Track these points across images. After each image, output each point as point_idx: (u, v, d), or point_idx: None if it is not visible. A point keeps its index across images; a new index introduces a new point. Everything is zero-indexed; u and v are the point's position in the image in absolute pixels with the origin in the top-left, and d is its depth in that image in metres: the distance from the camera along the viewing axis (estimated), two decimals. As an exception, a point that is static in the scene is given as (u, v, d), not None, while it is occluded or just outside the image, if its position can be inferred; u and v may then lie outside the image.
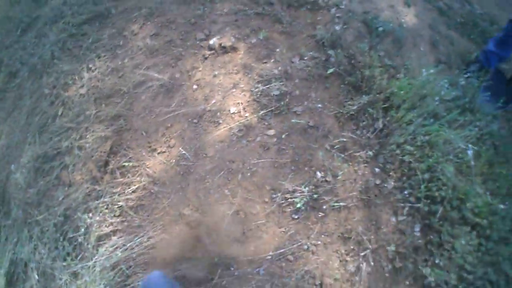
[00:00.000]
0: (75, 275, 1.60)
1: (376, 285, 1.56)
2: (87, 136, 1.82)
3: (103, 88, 2.00)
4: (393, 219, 1.68)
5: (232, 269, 1.54)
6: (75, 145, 1.83)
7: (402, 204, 1.68)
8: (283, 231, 1.60)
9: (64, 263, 1.62)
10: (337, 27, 2.13)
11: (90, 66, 2.10)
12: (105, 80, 2.03)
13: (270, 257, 1.56)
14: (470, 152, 1.72)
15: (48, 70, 2.13)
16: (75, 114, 1.92)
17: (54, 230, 1.69)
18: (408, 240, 1.62)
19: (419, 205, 1.66)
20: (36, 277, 1.64)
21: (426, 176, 1.69)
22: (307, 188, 1.63)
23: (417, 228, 1.68)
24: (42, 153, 1.85)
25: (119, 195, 1.68)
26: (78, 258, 1.61)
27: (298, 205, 1.61)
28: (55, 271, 1.62)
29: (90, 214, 1.66)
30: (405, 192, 1.69)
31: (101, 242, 1.61)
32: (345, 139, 1.77)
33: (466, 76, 2.03)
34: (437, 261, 1.59)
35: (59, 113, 1.97)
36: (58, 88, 2.05)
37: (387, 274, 1.59)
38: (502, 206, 1.69)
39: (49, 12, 2.49)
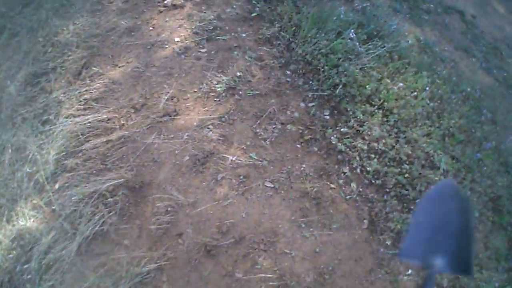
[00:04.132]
0: (41, 147, 2.07)
1: (289, 153, 2.02)
2: (68, 58, 2.42)
3: (83, 34, 2.65)
4: (303, 104, 2.20)
5: (161, 135, 2.02)
6: (58, 66, 2.42)
7: (310, 94, 2.22)
8: (207, 110, 2.11)
9: (36, 138, 2.10)
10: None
11: (76, 22, 2.78)
12: (85, 30, 2.69)
13: (194, 127, 2.05)
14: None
15: (43, 26, 2.80)
16: (61, 49, 2.55)
17: (33, 117, 2.20)
18: (317, 120, 2.13)
19: (324, 93, 2.21)
20: (10, 150, 2.10)
21: (331, 72, 2.26)
22: (227, 78, 2.19)
23: (327, 112, 2.20)
24: (32, 71, 2.43)
25: (85, 91, 2.22)
26: (47, 132, 2.09)
27: (219, 89, 2.15)
28: (27, 145, 2.09)
29: (62, 103, 2.19)
30: (313, 85, 2.25)
31: (66, 119, 2.11)
32: (261, 53, 2.37)
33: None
34: (343, 130, 2.09)
35: (49, 50, 2.60)
36: (49, 35, 2.70)
37: (298, 145, 2.06)
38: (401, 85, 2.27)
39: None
